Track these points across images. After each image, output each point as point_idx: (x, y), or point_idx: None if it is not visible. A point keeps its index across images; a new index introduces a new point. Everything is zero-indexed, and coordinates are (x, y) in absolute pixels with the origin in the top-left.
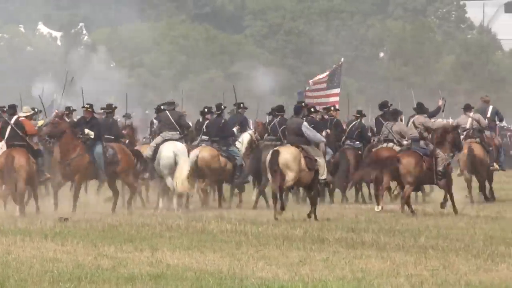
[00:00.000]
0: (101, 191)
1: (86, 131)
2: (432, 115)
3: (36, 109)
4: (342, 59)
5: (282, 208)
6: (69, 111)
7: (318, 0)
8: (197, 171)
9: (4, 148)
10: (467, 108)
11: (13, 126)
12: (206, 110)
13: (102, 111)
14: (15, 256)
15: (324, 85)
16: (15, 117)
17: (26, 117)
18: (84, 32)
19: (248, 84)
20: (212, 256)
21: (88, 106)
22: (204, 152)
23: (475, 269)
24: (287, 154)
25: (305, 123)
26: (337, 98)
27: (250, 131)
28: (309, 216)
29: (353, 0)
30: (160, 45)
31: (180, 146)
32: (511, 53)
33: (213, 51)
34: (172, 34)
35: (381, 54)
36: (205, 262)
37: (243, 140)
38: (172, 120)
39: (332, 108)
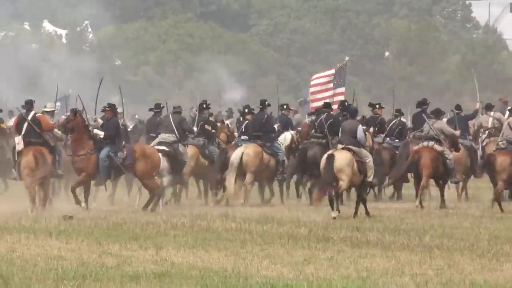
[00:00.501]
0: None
1: (95, 131)
2: (469, 118)
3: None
4: (347, 58)
5: (338, 210)
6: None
7: None
8: (242, 168)
9: (21, 144)
10: (489, 108)
11: (29, 122)
12: (246, 110)
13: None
14: (20, 254)
15: (330, 84)
16: (32, 113)
17: (47, 112)
18: (90, 30)
19: (252, 82)
20: (216, 255)
21: (108, 106)
22: (249, 149)
23: (480, 269)
24: (342, 160)
25: (360, 126)
26: (342, 97)
27: (292, 132)
28: (354, 215)
29: None
30: (166, 43)
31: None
32: None
33: (218, 49)
34: (177, 32)
35: (387, 53)
36: (210, 260)
37: (285, 139)
38: (173, 124)
39: (377, 106)
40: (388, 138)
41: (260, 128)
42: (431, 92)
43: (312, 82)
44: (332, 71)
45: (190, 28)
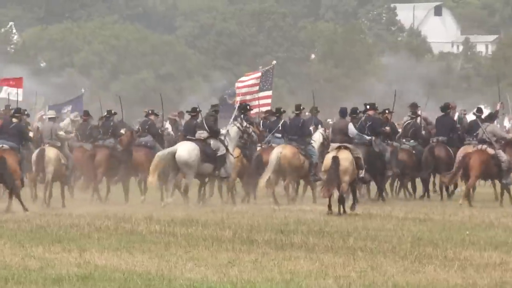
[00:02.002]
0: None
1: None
2: (492, 118)
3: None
4: (274, 61)
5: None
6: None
7: (249, 1)
8: (279, 169)
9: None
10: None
11: None
12: (282, 110)
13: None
14: None
15: (257, 87)
16: None
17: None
18: (14, 31)
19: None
20: (140, 257)
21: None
22: (286, 149)
23: (402, 271)
24: (346, 162)
25: (351, 123)
26: (269, 100)
27: (321, 130)
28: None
29: (284, 2)
30: (91, 45)
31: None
32: (441, 56)
33: (144, 51)
34: (103, 34)
35: (312, 56)
36: (134, 263)
37: (317, 139)
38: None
39: (387, 111)
40: (404, 139)
41: (296, 132)
42: (356, 94)
43: (239, 85)
44: (259, 74)
45: (116, 30)
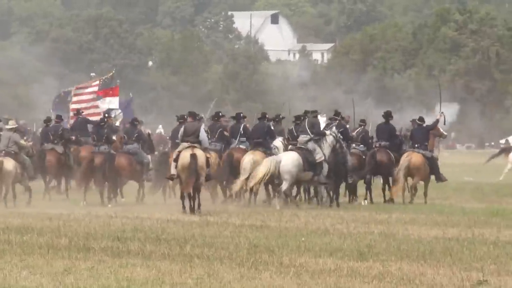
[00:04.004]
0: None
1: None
2: (430, 128)
3: None
4: (114, 70)
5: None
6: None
7: (86, 7)
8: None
9: None
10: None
11: None
12: (242, 115)
13: None
14: None
15: (94, 95)
16: None
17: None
18: None
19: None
20: None
21: None
22: (257, 155)
23: (239, 277)
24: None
25: (203, 127)
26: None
27: (280, 139)
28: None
29: (121, 8)
30: None
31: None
32: (278, 64)
33: None
34: None
35: (150, 63)
36: None
37: (279, 146)
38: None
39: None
40: (354, 144)
41: (260, 136)
42: (194, 101)
43: (77, 92)
44: (97, 82)
45: None
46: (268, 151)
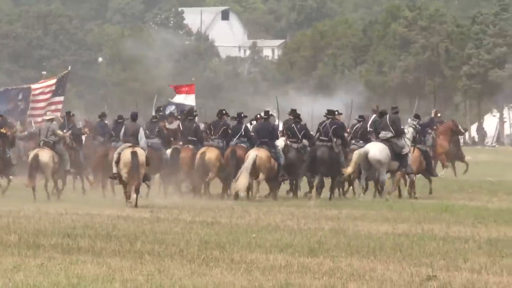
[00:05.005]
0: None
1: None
2: (426, 125)
3: None
4: (70, 67)
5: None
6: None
7: (35, 3)
8: (253, 170)
9: None
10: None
11: None
12: (243, 115)
13: None
14: None
15: (51, 94)
16: None
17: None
18: None
19: None
20: None
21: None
22: (261, 152)
23: (189, 274)
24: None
25: (142, 128)
26: (59, 106)
27: (283, 138)
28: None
29: (71, 5)
30: None
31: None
32: (228, 60)
33: None
34: None
35: (100, 59)
36: None
37: (280, 145)
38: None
39: (336, 112)
40: (353, 141)
41: (266, 135)
42: (145, 98)
43: (35, 90)
44: (54, 81)
45: None
46: (273, 150)
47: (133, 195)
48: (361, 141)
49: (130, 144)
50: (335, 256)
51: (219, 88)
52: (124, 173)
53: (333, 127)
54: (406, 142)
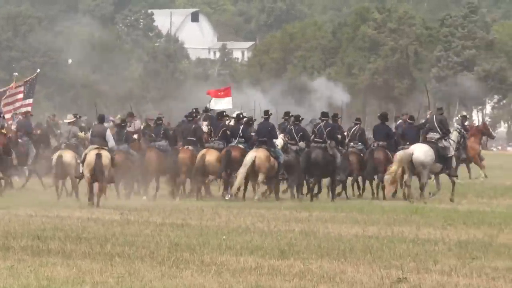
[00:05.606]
0: None
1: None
2: (420, 127)
3: None
4: (38, 70)
5: None
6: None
7: (4, 4)
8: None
9: None
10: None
11: None
12: (242, 116)
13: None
14: None
15: (21, 95)
16: None
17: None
18: None
19: None
20: None
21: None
22: (260, 153)
23: (160, 276)
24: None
25: (109, 131)
26: (29, 108)
27: (282, 136)
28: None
29: (40, 6)
30: None
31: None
32: (198, 62)
33: None
34: None
35: (70, 61)
36: None
37: (280, 143)
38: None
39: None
40: (352, 143)
41: (265, 135)
42: (114, 100)
43: (4, 95)
44: (22, 83)
45: None
46: (272, 149)
47: (96, 198)
48: (359, 143)
49: (96, 146)
50: (305, 258)
51: (189, 90)
52: (86, 173)
53: (327, 129)
54: (451, 144)
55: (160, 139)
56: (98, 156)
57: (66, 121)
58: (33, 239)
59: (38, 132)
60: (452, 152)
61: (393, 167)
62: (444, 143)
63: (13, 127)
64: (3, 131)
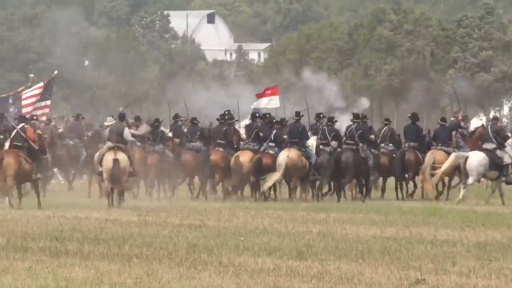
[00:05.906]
0: None
1: None
2: (453, 128)
3: None
4: (56, 71)
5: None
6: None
7: (21, 6)
8: (286, 170)
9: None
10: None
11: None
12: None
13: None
14: None
15: (38, 97)
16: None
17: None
18: None
19: None
20: None
21: None
22: (292, 153)
23: (178, 277)
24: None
25: (127, 129)
26: (47, 110)
27: (315, 137)
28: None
29: (57, 8)
30: None
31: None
32: (214, 63)
33: None
34: None
35: (86, 63)
36: None
37: (312, 144)
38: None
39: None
40: (383, 144)
41: (296, 136)
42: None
43: (26, 95)
44: (41, 84)
45: None
46: (303, 149)
47: (116, 200)
48: (390, 144)
49: (112, 145)
50: (323, 259)
51: (206, 91)
52: (105, 178)
53: (359, 132)
54: (508, 152)
55: (196, 139)
56: (115, 161)
57: (107, 123)
58: (51, 240)
59: (89, 134)
60: (508, 160)
61: (442, 168)
62: (501, 152)
63: (60, 130)
64: (38, 131)
